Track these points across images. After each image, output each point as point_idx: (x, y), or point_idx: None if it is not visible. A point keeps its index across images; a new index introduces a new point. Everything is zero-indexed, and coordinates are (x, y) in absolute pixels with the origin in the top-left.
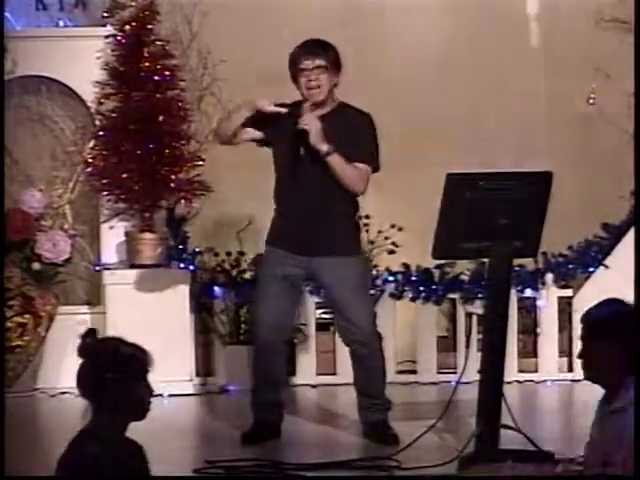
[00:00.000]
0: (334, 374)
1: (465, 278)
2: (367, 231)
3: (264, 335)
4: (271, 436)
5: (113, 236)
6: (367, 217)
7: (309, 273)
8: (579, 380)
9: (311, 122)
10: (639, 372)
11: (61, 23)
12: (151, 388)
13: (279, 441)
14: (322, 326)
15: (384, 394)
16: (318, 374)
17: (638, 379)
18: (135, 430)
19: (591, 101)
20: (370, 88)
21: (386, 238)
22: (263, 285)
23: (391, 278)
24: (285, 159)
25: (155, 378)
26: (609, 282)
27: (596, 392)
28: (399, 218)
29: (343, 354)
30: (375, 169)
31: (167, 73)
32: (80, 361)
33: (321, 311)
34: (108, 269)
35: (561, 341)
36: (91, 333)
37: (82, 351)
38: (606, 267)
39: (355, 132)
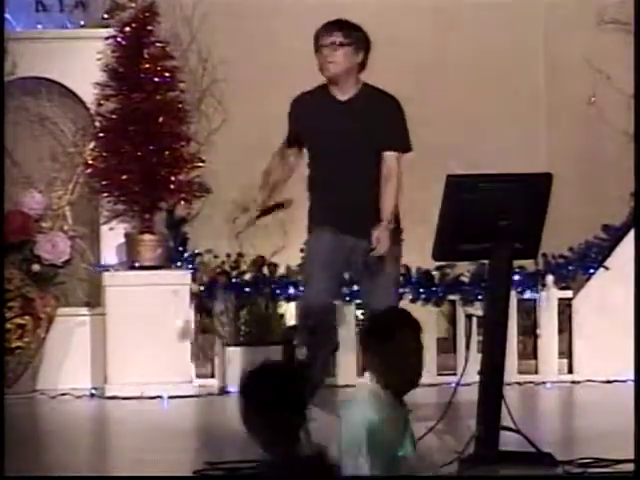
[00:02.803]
0: (334, 375)
1: (465, 280)
2: None
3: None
4: None
5: (113, 237)
6: None
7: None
8: (579, 382)
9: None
10: (638, 371)
11: (61, 24)
12: None
13: None
14: None
15: None
16: None
17: (638, 378)
18: (136, 431)
19: (592, 99)
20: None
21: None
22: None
23: None
24: (325, 147)
25: (155, 379)
26: (609, 283)
27: (596, 394)
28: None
29: (343, 356)
30: (407, 150)
31: (167, 74)
32: None
33: None
34: (108, 270)
35: (561, 343)
36: None
37: None
38: (606, 268)
39: (384, 117)
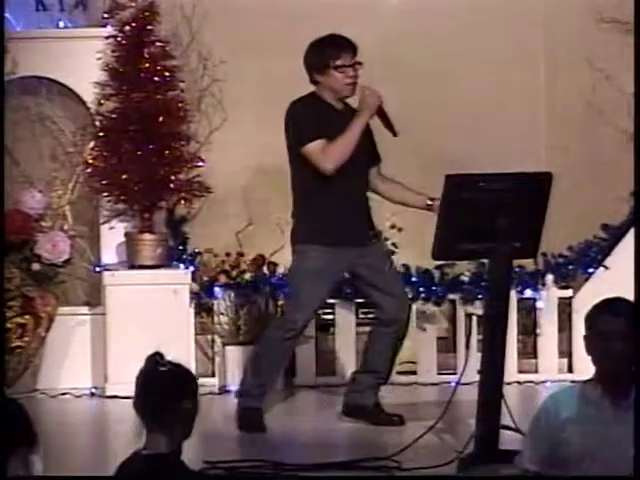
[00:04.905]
0: (334, 375)
1: (465, 279)
2: None
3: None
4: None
5: (113, 237)
6: None
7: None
8: (579, 381)
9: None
10: (639, 371)
11: (61, 24)
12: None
13: (278, 442)
14: (322, 327)
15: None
16: (318, 375)
17: (638, 378)
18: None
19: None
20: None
21: (386, 239)
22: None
23: None
24: None
25: None
26: (609, 283)
27: None
28: (399, 219)
29: (343, 355)
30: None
31: (167, 74)
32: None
33: (321, 312)
34: (108, 270)
35: (561, 342)
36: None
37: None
38: (606, 268)
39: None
